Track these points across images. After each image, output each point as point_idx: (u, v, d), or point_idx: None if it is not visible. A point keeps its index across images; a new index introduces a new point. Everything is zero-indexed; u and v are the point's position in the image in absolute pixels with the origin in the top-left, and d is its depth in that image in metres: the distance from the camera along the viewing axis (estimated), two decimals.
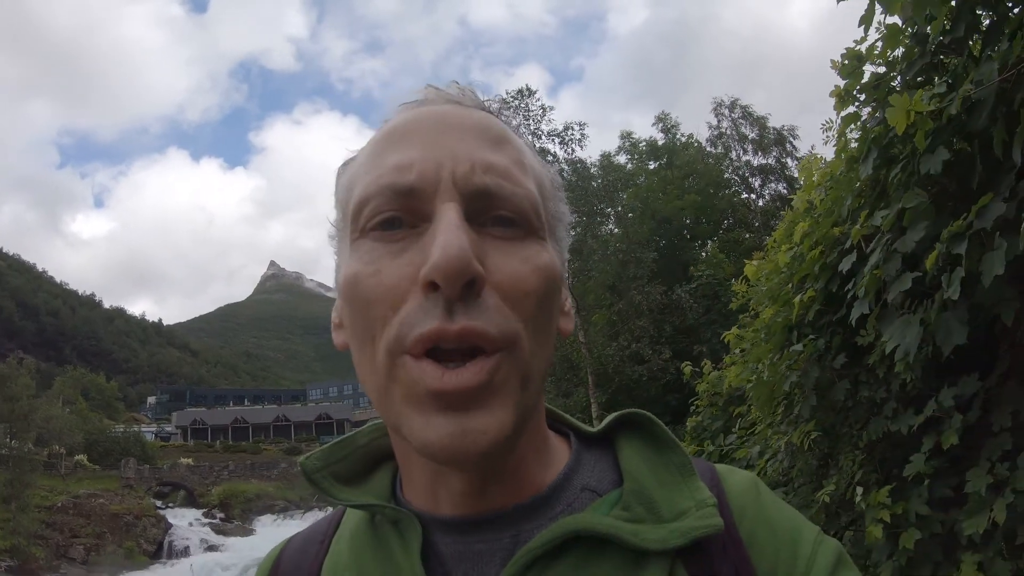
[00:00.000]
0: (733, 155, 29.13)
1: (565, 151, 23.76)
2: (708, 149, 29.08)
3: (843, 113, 3.21)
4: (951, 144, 2.38)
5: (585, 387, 19.26)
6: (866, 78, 2.97)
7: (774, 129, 28.45)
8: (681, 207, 24.12)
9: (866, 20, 2.62)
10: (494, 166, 0.66)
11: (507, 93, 23.60)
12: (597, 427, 0.82)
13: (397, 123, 0.70)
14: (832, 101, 3.21)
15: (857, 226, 2.83)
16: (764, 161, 28.47)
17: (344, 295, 0.68)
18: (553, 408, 0.81)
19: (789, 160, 27.72)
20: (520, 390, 0.63)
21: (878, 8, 2.56)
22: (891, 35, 2.75)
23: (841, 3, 2.70)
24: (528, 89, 23.68)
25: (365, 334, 0.65)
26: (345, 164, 0.76)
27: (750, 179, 28.62)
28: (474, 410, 0.60)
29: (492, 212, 0.65)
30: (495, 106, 0.75)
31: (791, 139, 28.65)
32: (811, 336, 3.35)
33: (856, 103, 3.14)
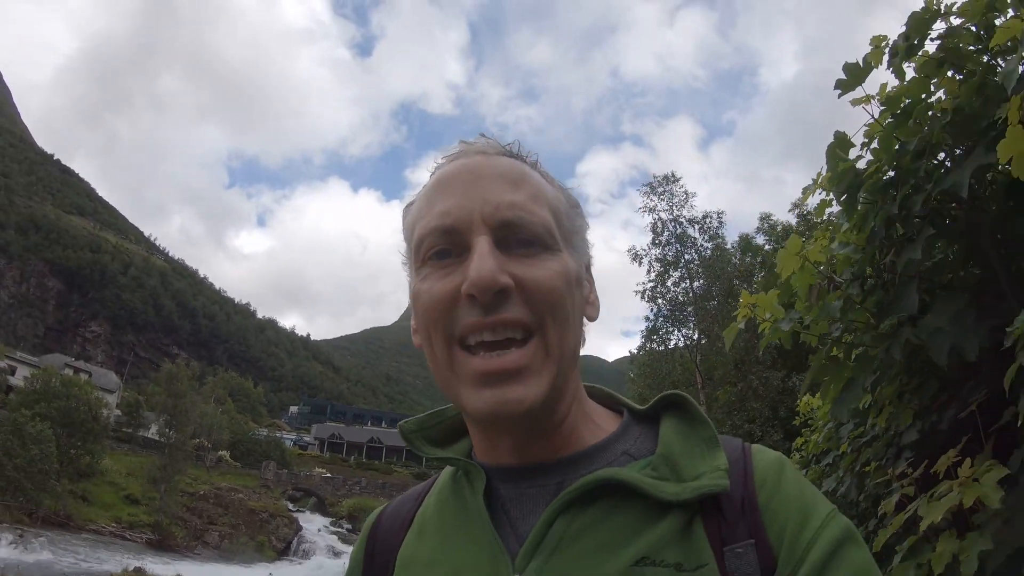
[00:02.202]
0: None
1: (703, 237, 26.06)
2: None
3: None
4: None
5: None
6: None
7: None
8: None
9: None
10: (514, 203, 0.89)
11: (654, 177, 26.49)
12: (646, 406, 1.03)
13: (439, 176, 0.95)
14: None
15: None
16: None
17: (413, 307, 0.93)
18: (610, 391, 1.07)
19: None
20: (550, 366, 0.87)
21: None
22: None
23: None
24: (673, 176, 26.47)
25: (427, 332, 0.90)
26: (407, 207, 1.01)
27: None
28: (512, 384, 0.84)
29: (515, 237, 0.89)
30: (516, 149, 0.99)
31: None
32: (819, 464, 4.37)
33: None
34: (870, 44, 2.37)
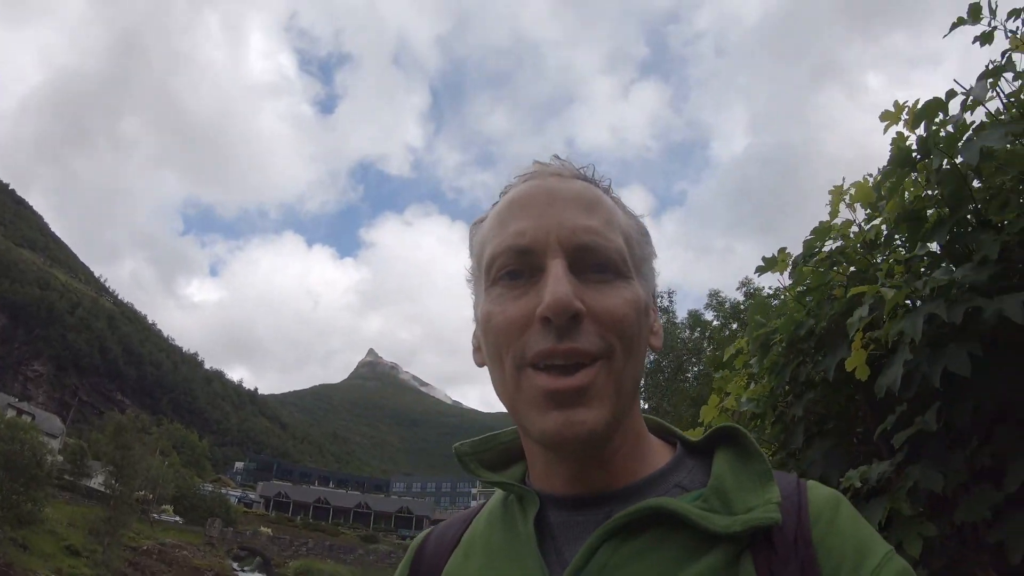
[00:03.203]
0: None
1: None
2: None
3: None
4: None
5: None
6: None
7: None
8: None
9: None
10: (589, 228, 0.90)
11: None
12: (699, 439, 1.03)
13: (514, 196, 0.96)
14: None
15: None
16: None
17: (482, 327, 0.95)
18: (664, 421, 1.07)
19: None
20: (615, 393, 0.87)
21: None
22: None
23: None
24: None
25: (496, 355, 0.91)
26: (476, 224, 1.04)
27: None
28: (578, 407, 0.84)
29: (589, 262, 0.89)
30: (590, 172, 1.00)
31: None
32: None
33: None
34: (777, 254, 2.90)
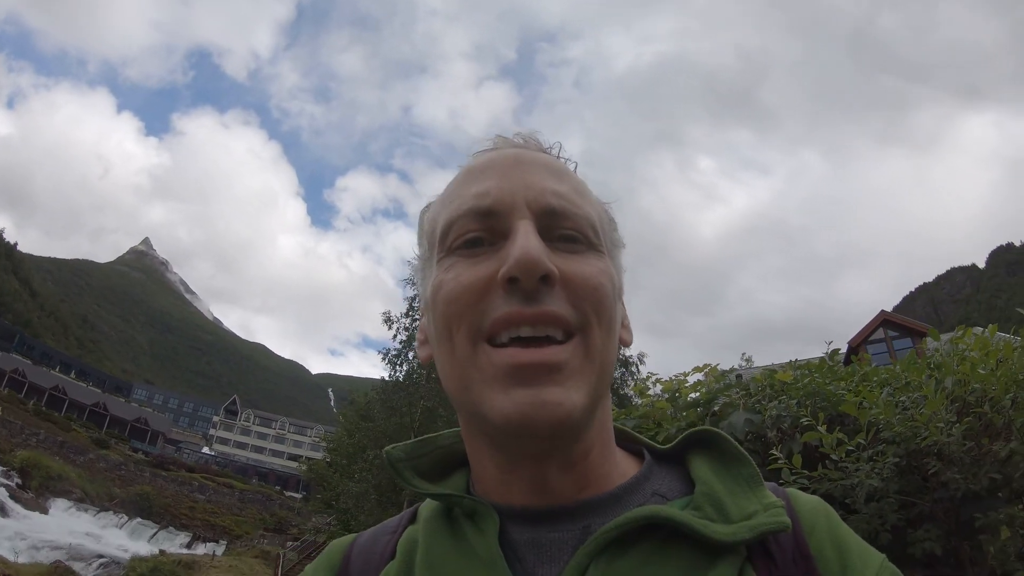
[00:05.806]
0: None
1: None
2: None
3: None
4: None
5: None
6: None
7: (625, 355, 28.65)
8: None
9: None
10: (559, 192, 0.80)
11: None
12: (669, 445, 0.90)
13: (474, 164, 0.86)
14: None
15: None
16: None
17: (429, 301, 0.81)
18: (626, 428, 0.92)
19: (630, 379, 28.07)
20: (592, 375, 0.74)
21: None
22: None
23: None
24: None
25: (446, 330, 0.77)
26: (426, 207, 0.92)
27: None
28: (550, 385, 0.70)
29: (558, 230, 0.79)
30: (555, 150, 0.91)
31: (639, 363, 29.32)
32: None
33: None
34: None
